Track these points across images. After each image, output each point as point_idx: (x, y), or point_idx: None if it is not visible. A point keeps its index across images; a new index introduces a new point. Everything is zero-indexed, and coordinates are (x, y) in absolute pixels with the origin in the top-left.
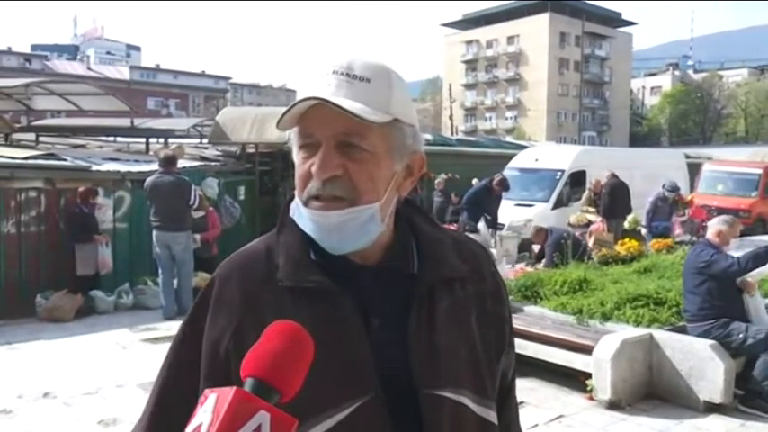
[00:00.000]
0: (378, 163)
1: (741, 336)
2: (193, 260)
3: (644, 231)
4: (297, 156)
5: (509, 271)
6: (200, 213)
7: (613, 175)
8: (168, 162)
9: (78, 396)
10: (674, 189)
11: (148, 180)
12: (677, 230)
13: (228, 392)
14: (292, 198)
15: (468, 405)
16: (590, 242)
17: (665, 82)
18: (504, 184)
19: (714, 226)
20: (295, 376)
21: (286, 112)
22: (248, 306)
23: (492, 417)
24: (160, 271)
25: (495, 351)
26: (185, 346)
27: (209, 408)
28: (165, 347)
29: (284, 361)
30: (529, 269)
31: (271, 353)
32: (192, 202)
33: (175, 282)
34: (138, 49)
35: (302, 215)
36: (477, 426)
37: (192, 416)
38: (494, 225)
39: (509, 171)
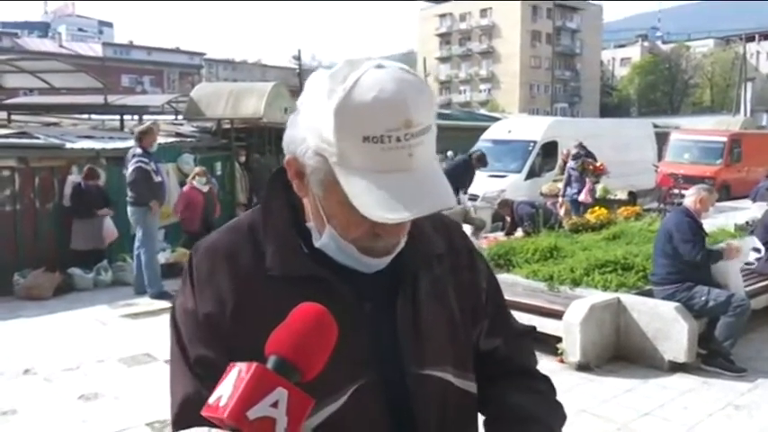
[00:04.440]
0: None
1: (703, 298)
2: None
3: (560, 199)
4: (341, 205)
5: (483, 240)
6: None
7: (580, 145)
8: (137, 137)
9: (59, 372)
10: (576, 157)
11: None
12: (583, 196)
13: (251, 368)
14: (277, 176)
15: (451, 380)
16: (561, 211)
17: (635, 53)
18: (483, 160)
19: (694, 194)
20: (317, 358)
21: (398, 219)
22: (241, 289)
23: (472, 388)
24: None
25: (471, 322)
26: (189, 321)
27: (231, 380)
28: (144, 323)
29: (308, 342)
30: (502, 238)
31: (295, 334)
32: (127, 174)
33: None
34: (110, 25)
35: (352, 254)
36: (461, 398)
37: (216, 386)
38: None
39: (483, 143)
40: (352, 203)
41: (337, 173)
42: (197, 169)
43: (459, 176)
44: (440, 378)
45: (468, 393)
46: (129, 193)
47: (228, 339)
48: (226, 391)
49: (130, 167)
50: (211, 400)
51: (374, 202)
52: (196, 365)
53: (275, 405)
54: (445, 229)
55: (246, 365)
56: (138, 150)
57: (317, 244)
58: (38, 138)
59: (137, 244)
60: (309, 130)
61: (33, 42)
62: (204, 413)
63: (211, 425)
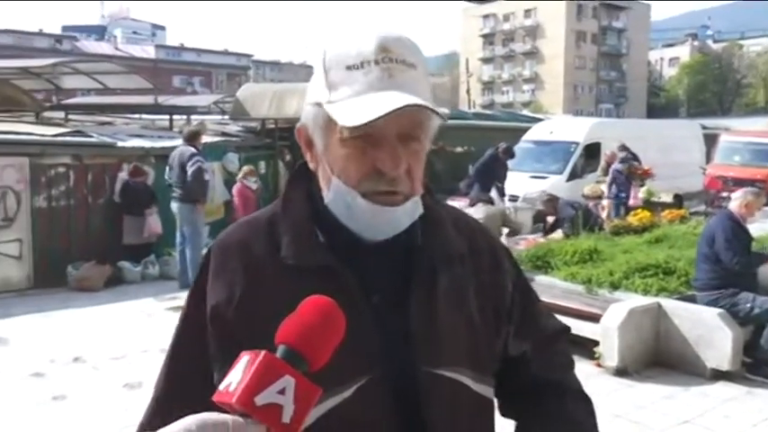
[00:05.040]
0: (424, 152)
1: (748, 305)
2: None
3: (605, 202)
4: (338, 142)
5: (522, 242)
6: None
7: (622, 147)
8: (188, 137)
9: (106, 360)
10: (625, 160)
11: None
12: (632, 201)
13: (260, 355)
14: (298, 172)
15: (466, 383)
16: (603, 214)
17: (684, 53)
18: (510, 152)
19: (739, 198)
20: (324, 349)
21: (377, 118)
22: (251, 279)
23: (490, 393)
24: (177, 247)
25: (494, 325)
26: (189, 321)
27: (241, 367)
28: None
29: (316, 333)
30: (541, 240)
31: (304, 324)
32: (188, 173)
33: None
34: (162, 28)
35: (357, 207)
36: (475, 403)
37: (226, 374)
38: (503, 192)
39: (524, 143)
40: (348, 141)
41: (329, 109)
42: (246, 168)
43: (490, 171)
44: (454, 379)
45: (485, 398)
46: (179, 191)
47: (233, 329)
48: (235, 377)
49: (192, 166)
50: (222, 386)
51: (353, 111)
52: (177, 361)
53: (282, 392)
54: (469, 230)
55: (255, 353)
56: (193, 149)
57: (325, 201)
58: (91, 136)
59: (179, 239)
60: (311, 95)
61: (91, 45)
62: (215, 399)
63: (222, 410)
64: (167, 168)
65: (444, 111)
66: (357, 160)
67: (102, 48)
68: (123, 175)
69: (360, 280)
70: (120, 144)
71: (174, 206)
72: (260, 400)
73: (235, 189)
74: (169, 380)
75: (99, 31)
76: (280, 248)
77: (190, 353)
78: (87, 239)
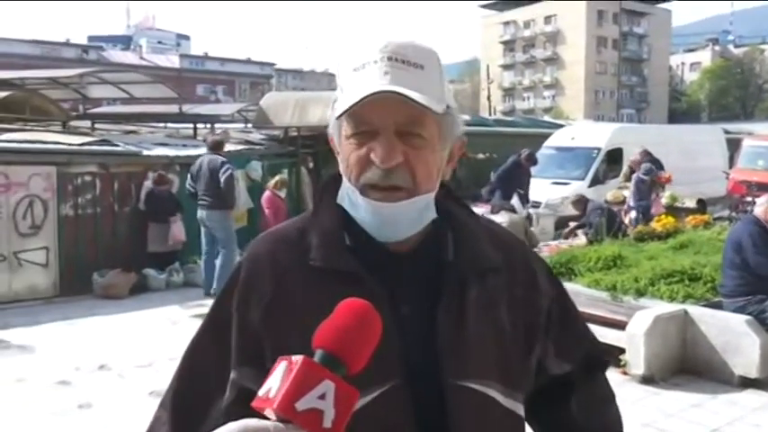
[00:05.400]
0: (433, 150)
1: None
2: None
3: (632, 213)
4: (345, 142)
5: (545, 248)
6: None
7: (645, 152)
8: (213, 146)
9: (132, 368)
10: (649, 172)
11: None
12: (654, 209)
13: (299, 360)
14: (330, 181)
15: (495, 397)
16: (626, 219)
17: (705, 57)
18: (533, 158)
19: (765, 203)
20: (362, 352)
21: (356, 104)
22: (278, 284)
23: (520, 410)
24: (203, 255)
25: (526, 342)
26: (209, 331)
27: (279, 374)
28: None
29: (353, 337)
30: (563, 246)
31: (341, 328)
32: (221, 181)
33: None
34: (187, 38)
35: (357, 204)
36: (504, 417)
37: (264, 380)
38: (526, 200)
39: (546, 150)
40: (350, 138)
41: (339, 109)
42: (278, 178)
43: (513, 178)
44: (482, 392)
45: (514, 414)
46: (208, 198)
47: (260, 335)
48: (275, 383)
49: (224, 174)
50: (261, 392)
51: (344, 104)
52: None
53: (323, 397)
54: (506, 245)
55: (294, 359)
56: (222, 158)
57: (337, 200)
58: (117, 145)
59: (205, 248)
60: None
61: (117, 55)
62: (254, 405)
63: (261, 416)
64: (188, 177)
65: (465, 117)
66: (356, 154)
67: (128, 57)
68: (148, 184)
69: (389, 290)
70: (145, 152)
71: (203, 214)
72: (301, 405)
73: (264, 198)
74: (182, 378)
75: (125, 41)
76: (309, 254)
77: (206, 355)
78: (113, 247)
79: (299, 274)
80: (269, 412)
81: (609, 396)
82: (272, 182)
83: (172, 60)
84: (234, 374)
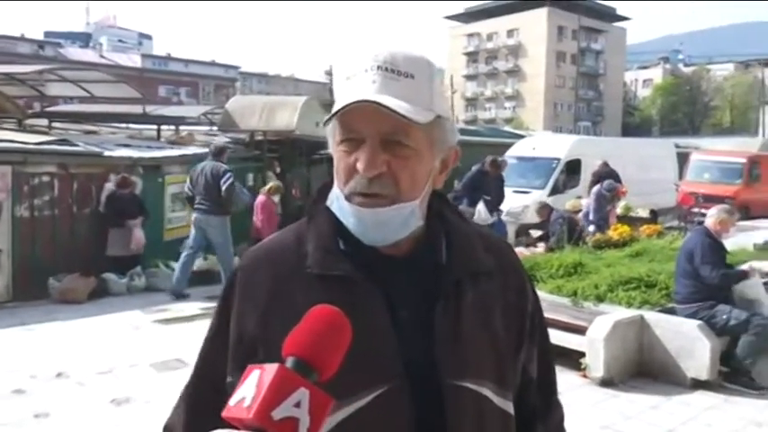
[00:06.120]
0: (420, 159)
1: (725, 317)
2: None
3: (590, 227)
4: (336, 148)
5: None
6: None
7: (604, 164)
8: (216, 152)
9: (92, 376)
10: (611, 189)
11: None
12: (612, 220)
13: (272, 369)
14: (324, 188)
15: (490, 396)
16: (585, 228)
17: (657, 75)
18: (497, 164)
19: (715, 215)
20: (333, 358)
21: (337, 112)
22: (276, 292)
23: (511, 409)
24: (185, 251)
25: (515, 344)
26: (216, 339)
27: (253, 382)
28: (176, 328)
29: (324, 343)
30: (527, 252)
31: (311, 334)
32: (222, 188)
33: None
34: (149, 37)
35: (344, 209)
36: (498, 417)
37: (235, 390)
38: (495, 207)
39: (507, 159)
40: (340, 145)
41: (327, 116)
42: (273, 184)
43: (478, 186)
44: (477, 392)
45: (507, 414)
46: (207, 203)
47: (256, 343)
48: (248, 392)
49: (226, 181)
50: (233, 401)
51: (336, 107)
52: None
53: (298, 405)
54: (498, 250)
55: (268, 366)
56: (225, 165)
57: (327, 202)
58: (77, 145)
59: (190, 244)
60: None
61: (75, 52)
62: (225, 415)
63: (231, 426)
64: (187, 180)
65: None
66: (344, 162)
67: (87, 55)
68: (110, 185)
69: (386, 294)
70: (107, 153)
71: (201, 218)
72: (277, 414)
73: (259, 203)
74: (196, 390)
75: (83, 39)
76: (306, 260)
77: (215, 368)
78: (72, 250)
79: (297, 281)
80: (238, 422)
81: (562, 420)
82: (266, 187)
83: (134, 60)
84: (229, 379)
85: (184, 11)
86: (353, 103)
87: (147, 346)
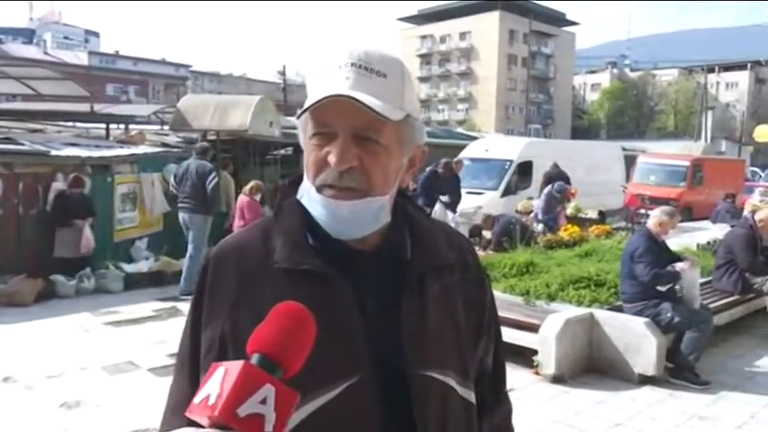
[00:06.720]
0: (390, 156)
1: (669, 315)
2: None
3: (539, 226)
4: (307, 142)
5: None
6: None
7: (555, 165)
8: (201, 151)
9: (40, 379)
10: (561, 191)
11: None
12: (561, 220)
13: (237, 366)
14: (293, 183)
15: (454, 386)
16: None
17: (605, 79)
18: (449, 166)
19: (656, 216)
20: (298, 354)
21: (312, 105)
22: (244, 286)
23: (473, 398)
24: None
25: (475, 336)
26: (193, 334)
27: (217, 380)
28: (127, 330)
29: (289, 339)
30: (481, 253)
31: (276, 331)
32: (208, 187)
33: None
34: (96, 34)
35: (314, 200)
36: (462, 406)
37: (199, 388)
38: (453, 207)
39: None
40: (312, 139)
41: (300, 110)
42: (253, 183)
43: (433, 187)
44: (442, 382)
45: (469, 403)
46: (192, 201)
47: (225, 337)
48: (213, 390)
49: (211, 181)
50: (197, 400)
51: (308, 101)
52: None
53: (264, 402)
54: (459, 246)
55: (233, 364)
56: (210, 165)
57: (297, 195)
58: (22, 144)
59: (192, 248)
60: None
61: (18, 48)
62: (189, 414)
63: (196, 425)
64: (172, 177)
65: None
66: (315, 155)
67: (31, 52)
68: (58, 185)
69: (354, 287)
70: (54, 152)
71: (186, 216)
72: (243, 411)
73: (244, 204)
74: (178, 386)
75: (27, 35)
76: (273, 255)
77: (193, 363)
78: (17, 252)
79: (265, 275)
80: (203, 420)
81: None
82: (246, 187)
83: (80, 57)
84: (201, 373)
85: (133, 8)
86: (328, 97)
87: (97, 349)
